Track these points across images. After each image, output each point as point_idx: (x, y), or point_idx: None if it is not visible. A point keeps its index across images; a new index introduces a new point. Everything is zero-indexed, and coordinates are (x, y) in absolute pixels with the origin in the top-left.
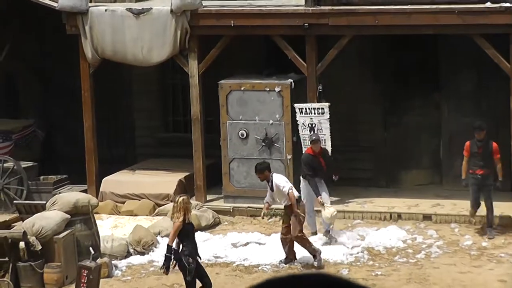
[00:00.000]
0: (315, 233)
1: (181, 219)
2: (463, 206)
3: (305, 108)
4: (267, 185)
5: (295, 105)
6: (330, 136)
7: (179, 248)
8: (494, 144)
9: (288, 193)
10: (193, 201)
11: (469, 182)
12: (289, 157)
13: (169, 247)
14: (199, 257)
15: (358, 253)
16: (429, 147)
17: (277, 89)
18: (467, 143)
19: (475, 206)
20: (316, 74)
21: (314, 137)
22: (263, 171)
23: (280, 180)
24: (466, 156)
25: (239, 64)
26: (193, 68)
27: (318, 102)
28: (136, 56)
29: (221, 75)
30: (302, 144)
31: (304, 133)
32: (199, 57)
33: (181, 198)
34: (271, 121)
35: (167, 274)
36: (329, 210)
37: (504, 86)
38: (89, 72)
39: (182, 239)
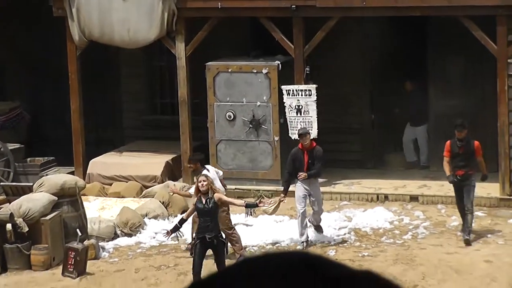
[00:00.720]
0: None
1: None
2: (449, 187)
3: (292, 90)
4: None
5: (282, 87)
6: (317, 118)
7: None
8: (476, 143)
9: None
10: (181, 183)
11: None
12: (276, 138)
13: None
14: (210, 237)
15: (345, 234)
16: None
17: (264, 71)
18: (448, 143)
19: (461, 206)
20: (304, 56)
21: (301, 131)
22: (196, 162)
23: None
24: (447, 156)
25: (226, 46)
26: (180, 50)
27: (305, 84)
28: (123, 38)
29: (209, 57)
30: (289, 126)
31: (291, 115)
32: (186, 39)
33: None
34: (258, 103)
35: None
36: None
37: (491, 68)
38: (76, 54)
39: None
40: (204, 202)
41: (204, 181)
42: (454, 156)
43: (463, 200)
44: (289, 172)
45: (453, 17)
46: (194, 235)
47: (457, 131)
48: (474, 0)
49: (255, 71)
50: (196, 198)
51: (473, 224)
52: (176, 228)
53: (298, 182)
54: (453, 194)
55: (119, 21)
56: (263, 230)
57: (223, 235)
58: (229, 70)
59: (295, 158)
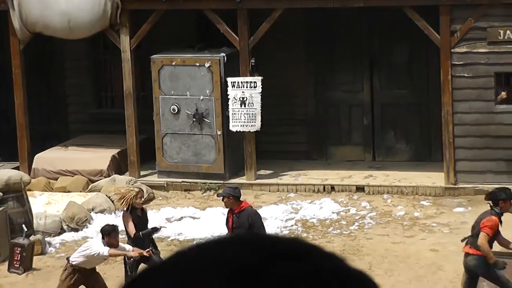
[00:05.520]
0: None
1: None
2: (395, 177)
3: (238, 82)
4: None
5: (228, 79)
6: (260, 111)
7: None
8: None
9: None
10: (127, 177)
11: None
12: (219, 133)
13: (135, 236)
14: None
15: (292, 226)
16: (360, 122)
17: (206, 64)
18: (495, 218)
19: None
20: (249, 48)
21: (221, 193)
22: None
23: None
24: (491, 235)
25: (172, 38)
26: (125, 43)
27: (251, 76)
28: (64, 30)
29: (154, 49)
30: (231, 118)
31: (234, 107)
32: (130, 32)
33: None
34: (201, 97)
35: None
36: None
37: (435, 57)
38: (19, 48)
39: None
40: (139, 215)
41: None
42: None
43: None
44: None
45: (397, 7)
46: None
47: (505, 201)
48: None
49: (198, 64)
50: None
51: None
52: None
53: None
54: (399, 183)
55: (60, 13)
56: (210, 223)
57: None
58: (173, 63)
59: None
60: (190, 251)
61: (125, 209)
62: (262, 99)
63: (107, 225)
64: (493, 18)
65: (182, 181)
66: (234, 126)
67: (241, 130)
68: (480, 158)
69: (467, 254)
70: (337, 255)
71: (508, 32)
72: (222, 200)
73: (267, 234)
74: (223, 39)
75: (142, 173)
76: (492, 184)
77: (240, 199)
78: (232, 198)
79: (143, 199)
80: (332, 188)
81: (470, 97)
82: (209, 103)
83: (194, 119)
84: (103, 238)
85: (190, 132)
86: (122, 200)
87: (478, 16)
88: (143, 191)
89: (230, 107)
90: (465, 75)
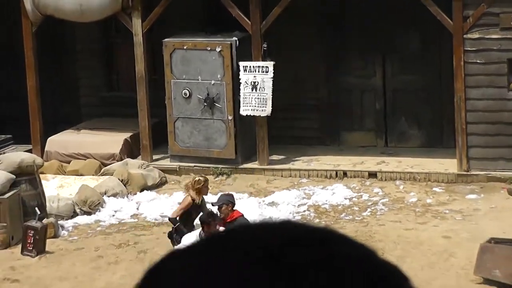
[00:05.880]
0: None
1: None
2: (408, 163)
3: (249, 66)
4: None
5: (240, 63)
6: (272, 96)
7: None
8: None
9: None
10: (139, 161)
11: None
12: (230, 117)
13: (174, 219)
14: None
15: (304, 211)
16: (373, 108)
17: (218, 49)
18: None
19: None
20: (261, 32)
21: (216, 203)
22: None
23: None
24: None
25: (184, 22)
26: (137, 26)
27: (263, 60)
28: (76, 13)
29: (166, 33)
30: (241, 102)
31: (245, 91)
32: (142, 16)
33: (197, 178)
34: (212, 81)
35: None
36: None
37: (447, 43)
38: (32, 30)
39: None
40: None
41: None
42: None
43: None
44: None
45: None
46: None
47: None
48: None
49: (209, 48)
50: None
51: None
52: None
53: None
54: (411, 169)
55: None
56: None
57: None
58: (185, 47)
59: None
60: (216, 235)
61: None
62: (274, 84)
63: (205, 214)
64: (506, 3)
65: (195, 166)
66: (244, 110)
67: (251, 114)
68: (492, 145)
69: None
70: (366, 246)
71: None
72: (219, 209)
73: (296, 221)
74: (235, 23)
75: (154, 157)
76: (505, 171)
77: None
78: (231, 206)
79: (208, 189)
80: (345, 174)
81: (482, 84)
82: (220, 87)
83: (205, 104)
84: (203, 228)
85: (201, 116)
86: (188, 182)
87: (491, 1)
88: (208, 180)
89: (242, 91)
90: (478, 61)
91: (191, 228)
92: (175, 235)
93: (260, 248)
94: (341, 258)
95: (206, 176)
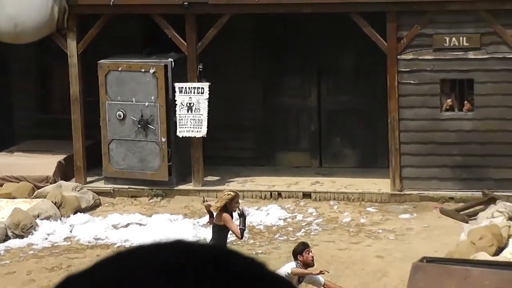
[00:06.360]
0: None
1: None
2: (342, 183)
3: (185, 87)
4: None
5: (175, 84)
6: (207, 116)
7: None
8: None
9: None
10: (73, 183)
11: None
12: (163, 139)
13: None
14: None
15: None
16: (308, 128)
17: (151, 70)
18: None
19: None
20: (196, 53)
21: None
22: None
23: None
24: None
25: (120, 43)
26: (71, 47)
27: (198, 81)
28: (11, 35)
29: (102, 54)
30: (178, 124)
31: (181, 112)
32: (78, 37)
33: (227, 192)
34: (146, 103)
35: None
36: None
37: (381, 64)
38: None
39: (213, 233)
40: None
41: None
42: None
43: None
44: None
45: (345, 13)
46: None
47: None
48: None
49: (143, 70)
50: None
51: (364, 220)
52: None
53: None
54: (345, 190)
55: (7, 17)
56: (157, 229)
57: None
58: (119, 69)
59: None
60: (116, 254)
61: (219, 210)
62: (210, 105)
63: (298, 245)
64: (439, 25)
65: (129, 188)
66: (180, 132)
67: (187, 136)
68: (425, 164)
69: None
70: (256, 260)
71: (453, 39)
72: None
73: (189, 240)
74: (172, 44)
75: (88, 179)
76: (437, 190)
77: None
78: None
79: (238, 204)
80: (279, 194)
81: (416, 104)
82: (154, 109)
83: (139, 126)
84: (295, 259)
85: (136, 138)
86: (218, 200)
87: (425, 23)
88: (239, 196)
89: (178, 112)
90: (411, 81)
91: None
92: None
93: (160, 263)
94: (233, 272)
95: (237, 192)
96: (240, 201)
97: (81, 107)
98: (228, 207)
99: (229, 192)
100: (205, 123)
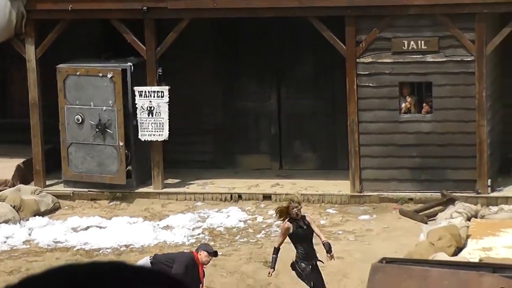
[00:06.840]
0: None
1: (286, 221)
2: (302, 185)
3: (145, 91)
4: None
5: (135, 88)
6: (168, 120)
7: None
8: None
9: None
10: (32, 187)
11: None
12: (121, 143)
13: (275, 249)
14: (316, 261)
15: (199, 234)
16: (268, 131)
17: (109, 75)
18: None
19: None
20: (156, 57)
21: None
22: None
23: None
24: None
25: (79, 48)
26: (30, 52)
27: (158, 85)
28: None
29: (61, 59)
30: (139, 127)
31: (142, 116)
32: (36, 42)
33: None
34: (104, 107)
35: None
36: None
37: (341, 67)
38: None
39: (294, 244)
40: (303, 226)
41: (296, 207)
42: None
43: None
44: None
45: (304, 17)
46: (297, 264)
47: None
48: (324, 1)
49: (101, 74)
50: (291, 227)
51: (324, 222)
52: (275, 260)
53: None
54: (305, 191)
55: None
56: (117, 232)
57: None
58: (78, 73)
59: (188, 266)
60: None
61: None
62: (170, 109)
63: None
64: (398, 28)
65: (89, 191)
66: (142, 136)
67: (149, 140)
68: (384, 166)
69: None
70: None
71: (412, 42)
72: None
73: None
74: (130, 48)
75: (47, 182)
76: (397, 192)
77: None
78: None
79: (295, 210)
80: (239, 196)
81: (375, 106)
82: (111, 113)
83: (97, 130)
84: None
85: (94, 142)
86: (276, 211)
87: (383, 27)
88: (293, 201)
89: (138, 116)
90: (370, 84)
91: (310, 251)
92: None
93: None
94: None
95: (295, 198)
96: (200, 203)
97: (40, 112)
98: (291, 215)
99: (286, 201)
100: (166, 127)
